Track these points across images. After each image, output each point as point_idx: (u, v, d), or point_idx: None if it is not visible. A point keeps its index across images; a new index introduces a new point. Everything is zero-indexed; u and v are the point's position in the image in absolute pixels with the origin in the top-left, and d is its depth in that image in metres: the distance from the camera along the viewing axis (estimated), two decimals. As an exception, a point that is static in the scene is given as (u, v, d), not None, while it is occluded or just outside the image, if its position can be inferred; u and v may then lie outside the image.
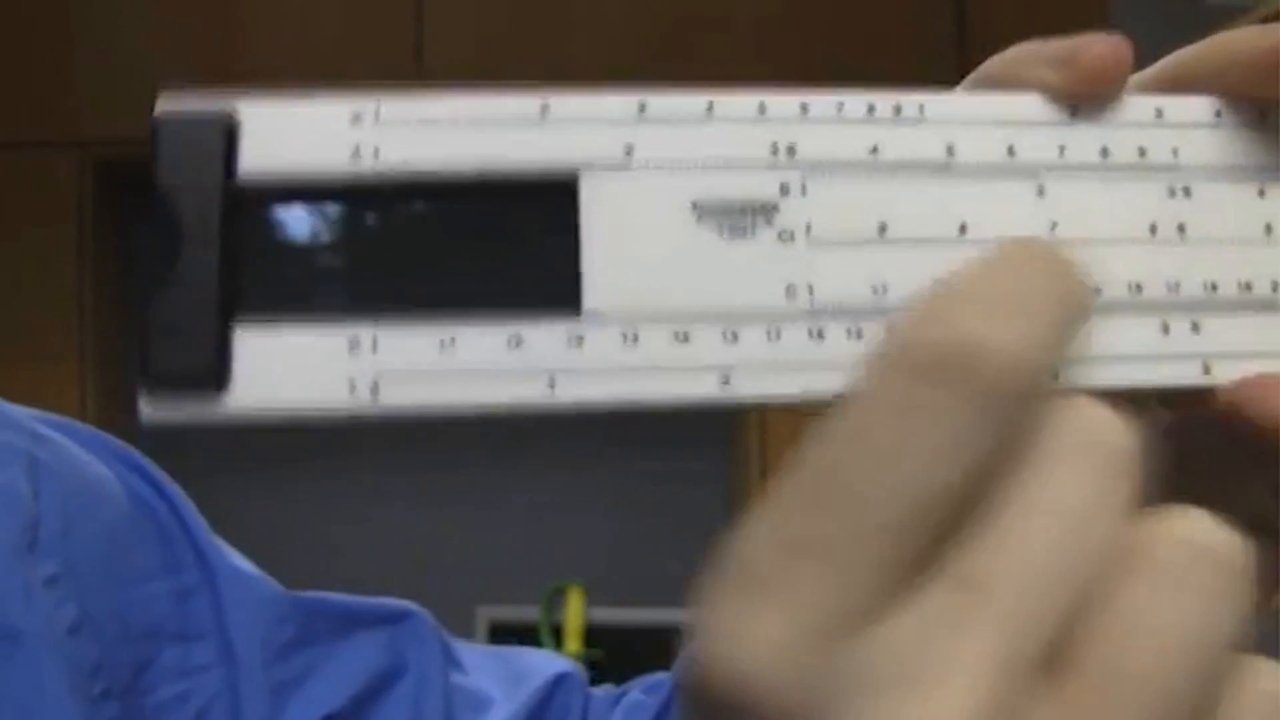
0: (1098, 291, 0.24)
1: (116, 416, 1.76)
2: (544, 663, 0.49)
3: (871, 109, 0.24)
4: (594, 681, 0.50)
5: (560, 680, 0.48)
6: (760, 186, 0.23)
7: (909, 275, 0.23)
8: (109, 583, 0.40)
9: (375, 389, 0.22)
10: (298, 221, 0.23)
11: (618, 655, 1.77)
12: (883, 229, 0.23)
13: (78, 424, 0.43)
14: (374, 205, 0.23)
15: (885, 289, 0.23)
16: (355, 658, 0.45)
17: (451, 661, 0.47)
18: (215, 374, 0.22)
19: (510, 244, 0.23)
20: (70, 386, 1.74)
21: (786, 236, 0.23)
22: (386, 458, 1.83)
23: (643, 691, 0.48)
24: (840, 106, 0.24)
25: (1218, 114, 0.25)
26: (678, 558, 1.95)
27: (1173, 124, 0.25)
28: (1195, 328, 0.24)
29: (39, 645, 0.37)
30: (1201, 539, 0.19)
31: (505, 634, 1.87)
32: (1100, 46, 0.24)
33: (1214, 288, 0.24)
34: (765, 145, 0.23)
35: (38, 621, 0.37)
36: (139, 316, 0.22)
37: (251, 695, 0.42)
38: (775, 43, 1.79)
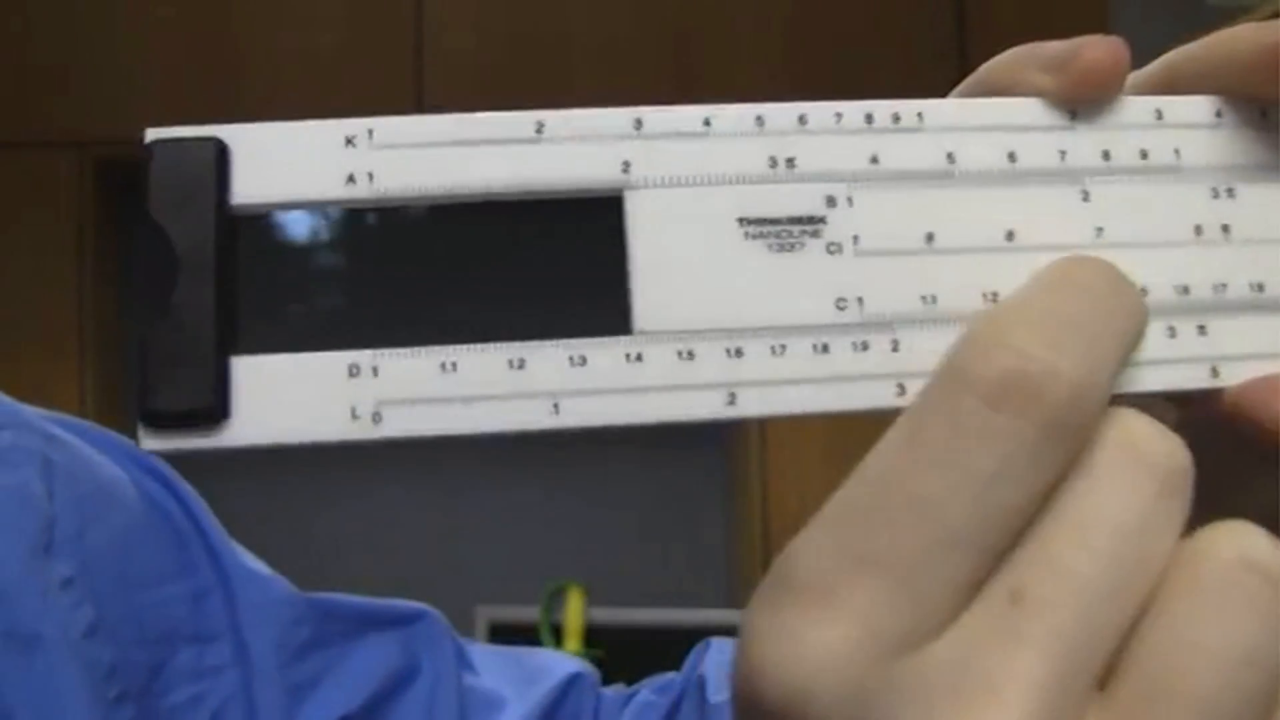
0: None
1: (116, 416, 1.76)
2: (556, 663, 0.49)
3: (869, 118, 0.24)
4: (593, 682, 0.50)
5: (573, 680, 0.48)
6: (807, 199, 0.23)
7: (958, 284, 0.23)
8: (124, 585, 0.40)
9: (377, 416, 0.22)
10: (293, 248, 0.23)
11: (618, 655, 1.77)
12: (930, 238, 0.23)
13: (91, 425, 0.43)
14: (370, 228, 0.23)
15: (935, 299, 0.23)
16: (369, 659, 0.45)
17: (464, 662, 0.47)
18: (215, 406, 0.21)
19: (549, 262, 0.23)
20: (70, 385, 1.74)
21: (835, 249, 0.23)
22: (386, 458, 1.83)
23: (653, 692, 0.48)
24: (839, 116, 0.24)
25: (1218, 114, 0.25)
26: (678, 558, 1.95)
27: (1173, 125, 0.25)
28: (1202, 330, 0.24)
29: (56, 648, 0.37)
30: (1251, 555, 0.19)
31: (505, 634, 1.87)
32: (1097, 49, 0.24)
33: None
34: (764, 157, 0.23)
35: (54, 624, 0.37)
36: (136, 350, 0.21)
37: (266, 697, 0.42)
38: (776, 51, 1.79)
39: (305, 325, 0.22)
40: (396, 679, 0.45)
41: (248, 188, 0.22)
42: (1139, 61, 0.26)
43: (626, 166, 0.23)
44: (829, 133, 0.24)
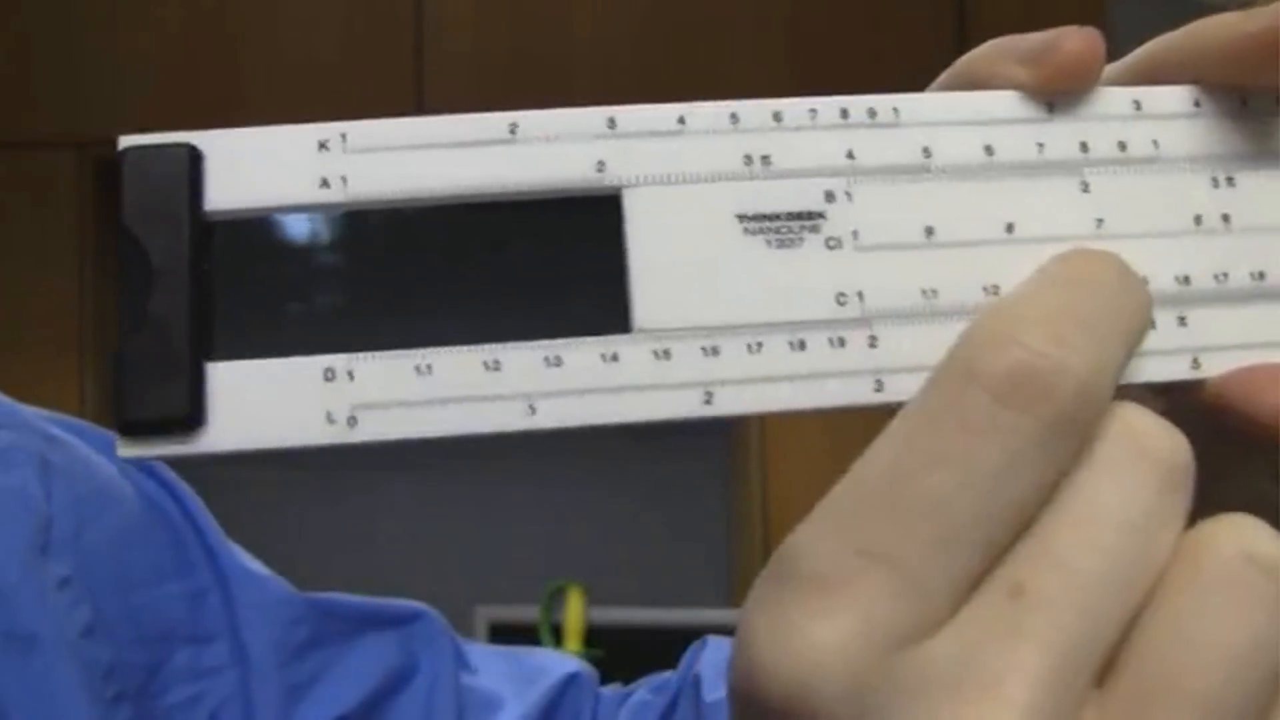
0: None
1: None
2: (555, 662, 0.49)
3: (845, 113, 0.24)
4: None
5: (571, 680, 0.48)
6: (805, 194, 0.23)
7: (959, 278, 0.23)
8: (121, 585, 0.40)
9: (353, 420, 0.22)
10: (268, 253, 0.23)
11: (618, 655, 1.77)
12: (930, 232, 0.23)
13: (90, 426, 0.43)
14: (345, 232, 0.23)
15: (936, 293, 0.23)
16: (367, 658, 0.45)
17: (462, 662, 0.47)
18: (191, 413, 0.21)
19: (539, 259, 0.23)
20: (70, 384, 1.74)
21: (834, 244, 0.23)
22: (386, 457, 1.83)
23: (649, 691, 0.48)
24: (814, 113, 0.24)
25: (1196, 104, 0.25)
26: (678, 557, 1.95)
27: (1152, 115, 0.25)
28: (1182, 321, 0.24)
29: (53, 648, 0.37)
30: (1252, 548, 0.19)
31: (505, 634, 1.86)
32: (1073, 40, 0.24)
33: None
34: (740, 155, 0.23)
35: (51, 624, 0.37)
36: (111, 359, 0.21)
37: (264, 696, 0.42)
38: (777, 52, 1.79)
39: (281, 330, 0.22)
40: (394, 679, 0.45)
41: (221, 194, 0.22)
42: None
43: (601, 166, 0.23)
44: (805, 129, 0.23)
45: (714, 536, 1.98)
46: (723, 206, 0.23)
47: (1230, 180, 0.25)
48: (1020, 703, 0.18)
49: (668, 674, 0.48)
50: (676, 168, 0.23)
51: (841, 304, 0.23)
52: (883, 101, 0.24)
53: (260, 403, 0.21)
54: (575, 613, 1.86)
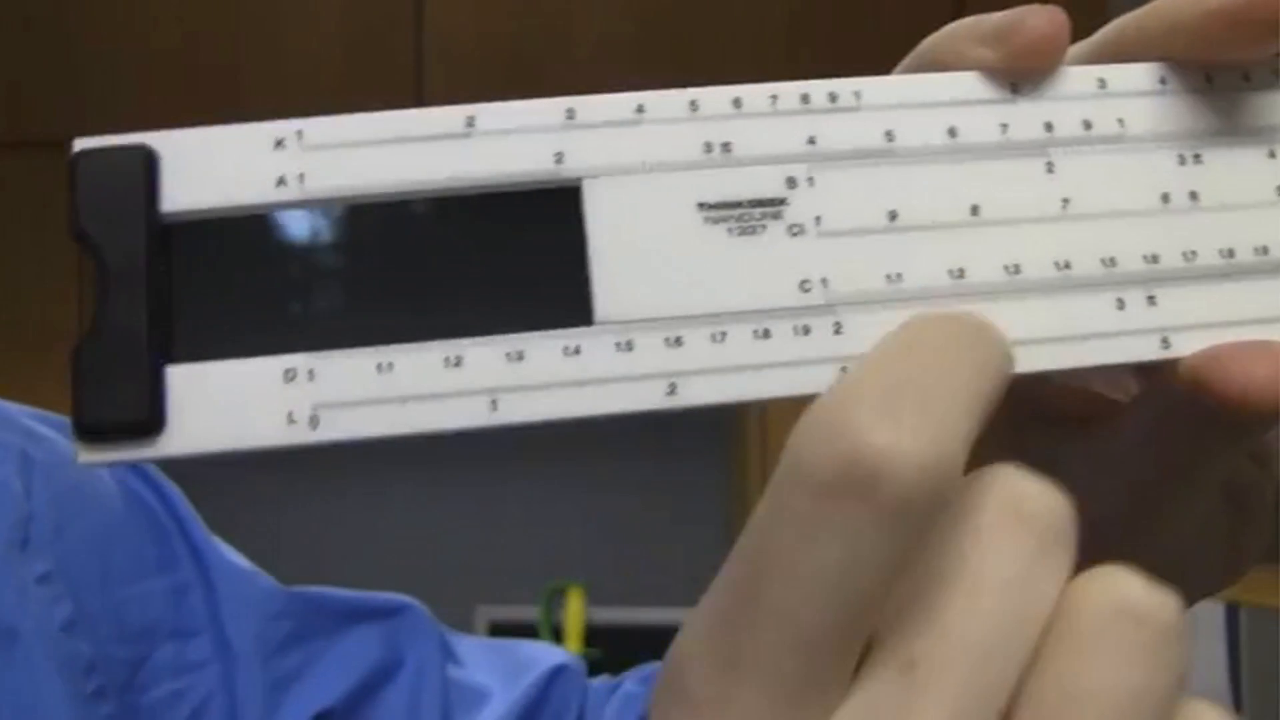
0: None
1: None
2: (542, 654, 0.49)
3: (806, 98, 0.23)
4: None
5: (558, 672, 0.47)
6: (766, 181, 0.23)
7: (924, 262, 0.23)
8: (103, 580, 0.40)
9: (314, 420, 0.21)
10: (223, 254, 0.22)
11: (618, 655, 1.77)
12: (893, 216, 0.23)
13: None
14: (304, 231, 0.23)
15: (900, 277, 0.23)
16: (352, 652, 0.45)
17: (449, 655, 0.47)
18: (148, 418, 0.21)
19: (477, 259, 0.23)
20: (69, 384, 1.74)
21: (797, 230, 0.23)
22: (386, 457, 1.83)
23: (637, 682, 0.48)
24: (774, 99, 0.23)
25: (1162, 81, 0.25)
26: (678, 558, 1.95)
27: (1117, 94, 0.24)
28: (1152, 301, 0.23)
29: (33, 643, 0.37)
30: (1124, 600, 0.19)
31: (505, 634, 1.86)
32: (1036, 19, 0.24)
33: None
34: (700, 143, 0.23)
35: (31, 619, 0.37)
36: (69, 364, 0.21)
37: (248, 691, 0.42)
38: (777, 47, 1.79)
39: (241, 331, 0.22)
40: (380, 672, 0.45)
41: (177, 195, 0.22)
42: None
43: (560, 158, 0.22)
44: (765, 115, 0.23)
45: (714, 536, 1.98)
46: (684, 195, 0.23)
47: (1197, 157, 0.24)
48: None
49: (655, 665, 0.48)
50: (636, 157, 0.23)
51: (805, 291, 0.22)
52: (844, 86, 0.23)
53: (220, 405, 0.21)
54: (575, 613, 1.86)
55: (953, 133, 0.24)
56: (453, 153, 0.22)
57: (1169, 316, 0.23)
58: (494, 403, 0.22)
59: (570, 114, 0.23)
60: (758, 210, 0.23)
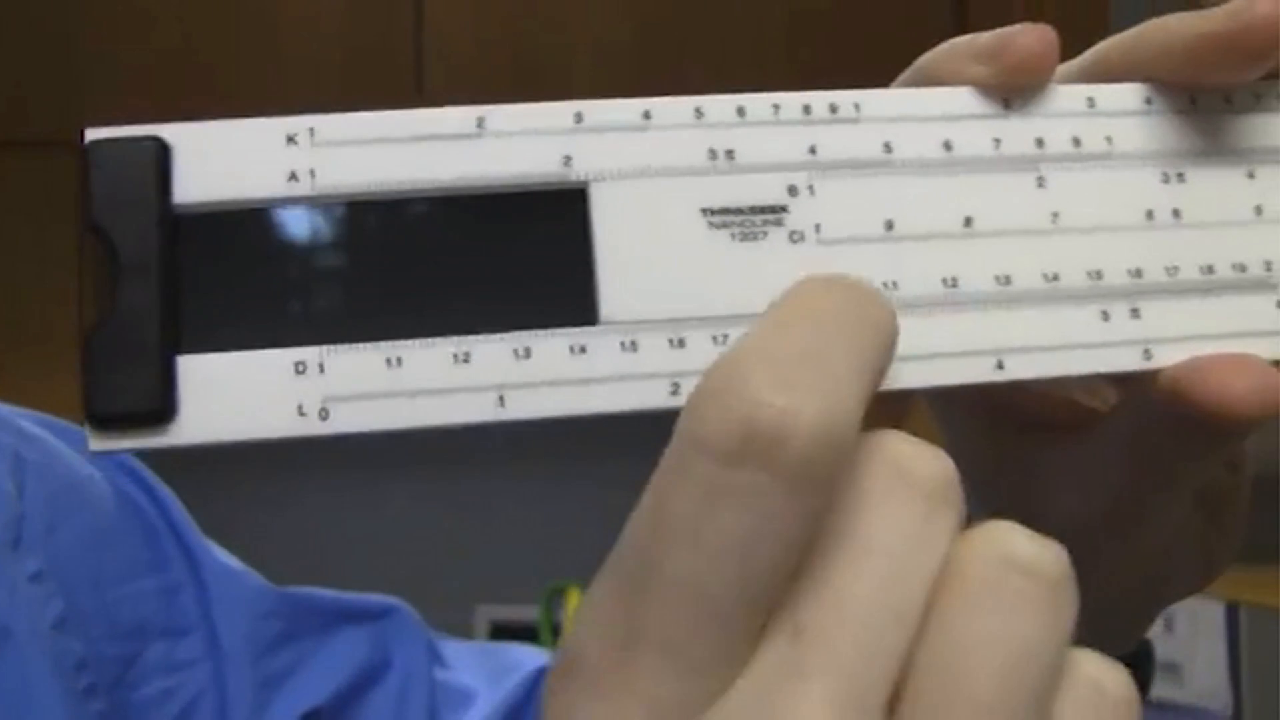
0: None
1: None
2: (527, 657, 0.49)
3: (807, 109, 0.24)
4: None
5: (543, 673, 0.48)
6: (768, 188, 0.23)
7: (919, 270, 0.23)
8: (95, 580, 0.41)
9: (324, 412, 0.22)
10: (235, 246, 0.23)
11: (617, 654, 1.77)
12: (890, 225, 0.24)
13: (65, 423, 0.44)
14: (314, 225, 0.23)
15: (896, 285, 0.23)
16: (341, 652, 0.45)
17: (435, 656, 0.48)
18: (160, 407, 0.21)
19: (490, 257, 0.23)
20: (70, 385, 1.73)
21: (797, 237, 0.23)
22: (386, 457, 1.83)
23: None
24: (777, 108, 0.24)
25: (1148, 101, 0.25)
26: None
27: (1105, 113, 0.25)
28: (1135, 313, 0.24)
29: (25, 641, 0.37)
30: (1010, 553, 0.19)
31: (505, 634, 1.87)
32: (1027, 37, 0.24)
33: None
34: (705, 150, 0.23)
35: (23, 617, 0.38)
36: (80, 353, 0.21)
37: (238, 690, 0.43)
38: (777, 51, 1.79)
39: (250, 323, 0.22)
40: (367, 673, 0.45)
41: (190, 187, 0.22)
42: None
43: (568, 160, 0.23)
44: (768, 124, 0.24)
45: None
46: (688, 200, 0.23)
47: (1180, 176, 0.25)
48: None
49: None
50: (642, 162, 0.23)
51: None
52: (844, 98, 0.24)
53: (231, 395, 0.21)
54: (575, 613, 1.86)
55: (948, 146, 0.24)
56: (462, 153, 0.23)
57: (1151, 329, 0.24)
58: (501, 399, 0.22)
59: (579, 118, 0.23)
60: (760, 217, 0.23)
